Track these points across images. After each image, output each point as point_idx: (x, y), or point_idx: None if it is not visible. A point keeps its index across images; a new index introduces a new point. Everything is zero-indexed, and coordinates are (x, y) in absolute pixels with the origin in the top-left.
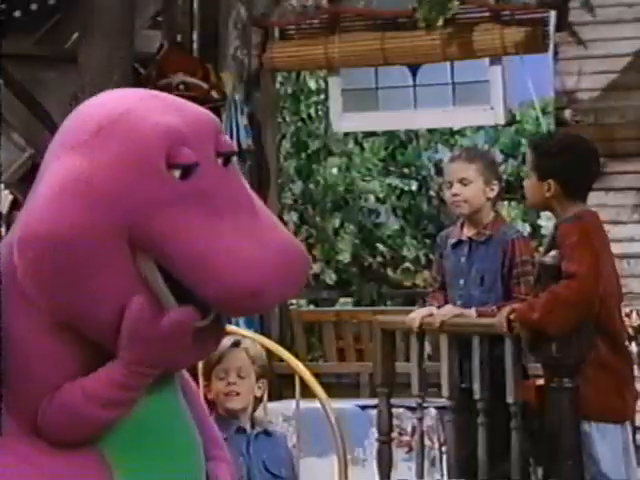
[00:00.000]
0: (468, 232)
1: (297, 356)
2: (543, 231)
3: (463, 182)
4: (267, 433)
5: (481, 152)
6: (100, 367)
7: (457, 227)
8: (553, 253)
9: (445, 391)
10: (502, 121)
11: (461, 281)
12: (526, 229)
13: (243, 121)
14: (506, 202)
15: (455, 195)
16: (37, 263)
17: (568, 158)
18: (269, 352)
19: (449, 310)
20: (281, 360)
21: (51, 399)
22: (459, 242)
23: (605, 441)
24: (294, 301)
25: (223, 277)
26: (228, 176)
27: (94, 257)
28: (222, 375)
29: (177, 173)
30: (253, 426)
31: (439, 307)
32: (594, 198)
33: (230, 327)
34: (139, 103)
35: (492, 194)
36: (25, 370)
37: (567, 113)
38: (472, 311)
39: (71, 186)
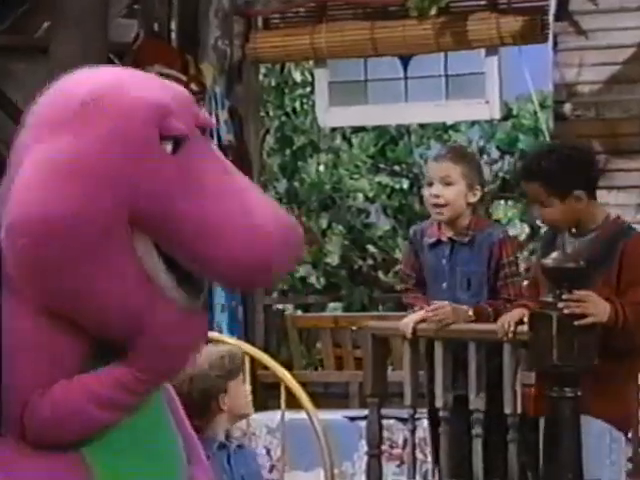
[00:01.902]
0: (447, 232)
1: (290, 365)
2: (542, 232)
3: (445, 183)
4: (240, 447)
5: (468, 153)
6: (95, 363)
7: (434, 225)
8: (555, 255)
9: (439, 401)
10: (498, 115)
11: (444, 284)
12: (524, 229)
13: (224, 115)
14: (502, 201)
15: (435, 196)
16: (33, 248)
17: (584, 164)
18: (253, 360)
19: (448, 312)
20: (266, 368)
21: (42, 394)
22: (438, 242)
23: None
24: (280, 306)
25: (234, 249)
26: (212, 149)
27: (94, 240)
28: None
29: (169, 146)
30: (228, 439)
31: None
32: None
33: (213, 334)
34: (120, 79)
35: (474, 199)
36: (12, 365)
37: (567, 107)
38: (466, 307)
39: (64, 166)
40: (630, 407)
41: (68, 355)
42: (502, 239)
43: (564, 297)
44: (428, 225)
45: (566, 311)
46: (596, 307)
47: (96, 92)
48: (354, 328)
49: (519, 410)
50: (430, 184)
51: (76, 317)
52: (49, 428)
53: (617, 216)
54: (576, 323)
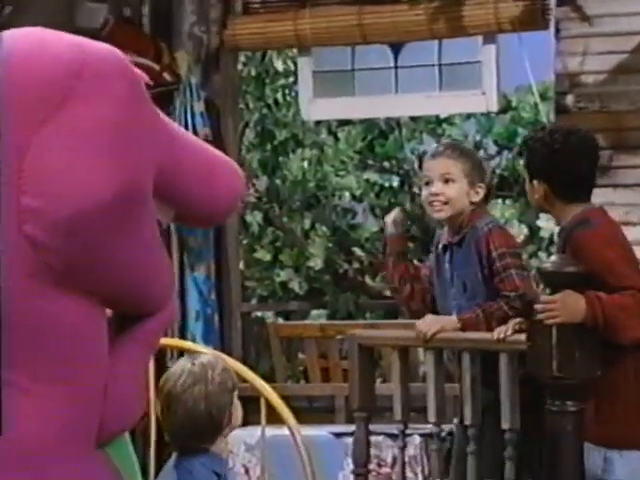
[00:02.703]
0: (449, 236)
1: (271, 377)
2: (543, 233)
3: (446, 180)
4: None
5: (468, 149)
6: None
7: (446, 230)
8: (554, 258)
9: (431, 416)
10: (495, 108)
11: (452, 290)
12: (523, 231)
13: (199, 107)
14: (500, 200)
15: (435, 195)
16: (100, 234)
17: (550, 156)
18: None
19: (432, 322)
20: (244, 381)
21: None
22: (444, 247)
23: (629, 468)
24: (259, 313)
25: (221, 185)
26: None
27: (143, 207)
28: None
29: None
30: None
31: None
32: (600, 195)
33: (187, 343)
34: (69, 40)
35: (476, 198)
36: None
37: (569, 99)
38: (453, 318)
39: (101, 137)
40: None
41: (103, 338)
42: (487, 231)
43: (536, 305)
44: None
45: (539, 317)
46: (565, 307)
47: (78, 59)
48: (341, 337)
49: (517, 425)
50: (428, 183)
51: (118, 296)
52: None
53: (588, 210)
54: (547, 322)
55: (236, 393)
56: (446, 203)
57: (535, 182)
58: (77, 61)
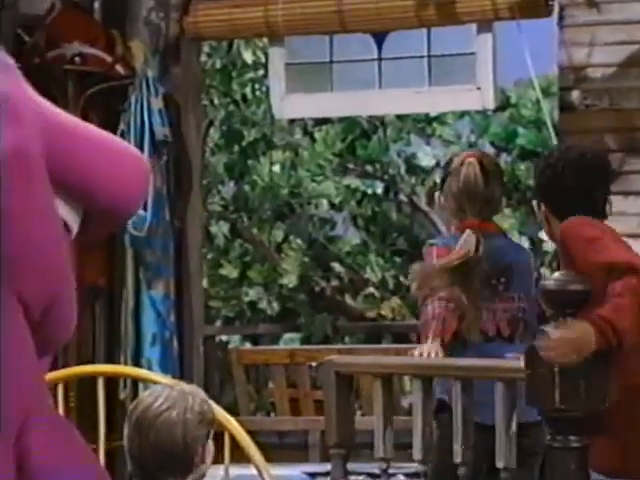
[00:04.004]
0: None
1: (235, 410)
2: (546, 246)
3: None
4: None
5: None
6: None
7: None
8: (557, 275)
9: (417, 453)
10: (492, 105)
11: None
12: (524, 244)
13: (157, 104)
14: None
15: None
16: None
17: (542, 175)
18: None
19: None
20: None
21: None
22: None
23: None
24: (224, 337)
25: (127, 172)
26: None
27: (33, 170)
28: None
29: None
30: None
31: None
32: None
33: (141, 371)
34: None
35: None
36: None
37: (575, 95)
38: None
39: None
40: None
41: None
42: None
43: (535, 343)
44: None
45: (545, 357)
46: (572, 344)
47: None
48: (314, 364)
49: (513, 464)
50: None
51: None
52: None
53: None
54: (557, 362)
55: (212, 432)
56: None
57: (540, 205)
58: None
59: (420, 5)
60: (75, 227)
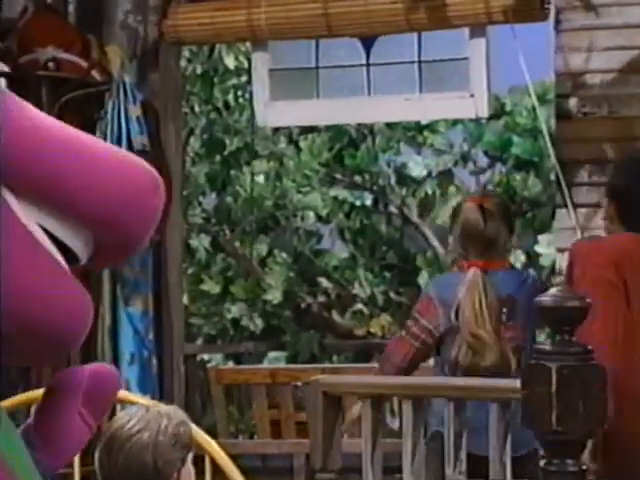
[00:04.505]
0: None
1: (213, 432)
2: (543, 261)
3: None
4: None
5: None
6: None
7: None
8: (553, 291)
9: (407, 477)
10: (486, 113)
11: None
12: (520, 258)
13: (135, 111)
14: None
15: None
16: None
17: (623, 174)
18: None
19: None
20: None
21: None
22: None
23: None
24: (206, 356)
25: (138, 187)
26: None
27: None
28: None
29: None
30: None
31: None
32: None
33: (119, 392)
34: None
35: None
36: None
37: (572, 102)
38: None
39: None
40: None
41: None
42: None
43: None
44: None
45: None
46: None
47: None
48: (298, 384)
49: None
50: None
51: None
52: None
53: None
54: None
55: (191, 456)
56: None
57: (607, 200)
58: None
59: (410, 8)
60: (84, 256)
